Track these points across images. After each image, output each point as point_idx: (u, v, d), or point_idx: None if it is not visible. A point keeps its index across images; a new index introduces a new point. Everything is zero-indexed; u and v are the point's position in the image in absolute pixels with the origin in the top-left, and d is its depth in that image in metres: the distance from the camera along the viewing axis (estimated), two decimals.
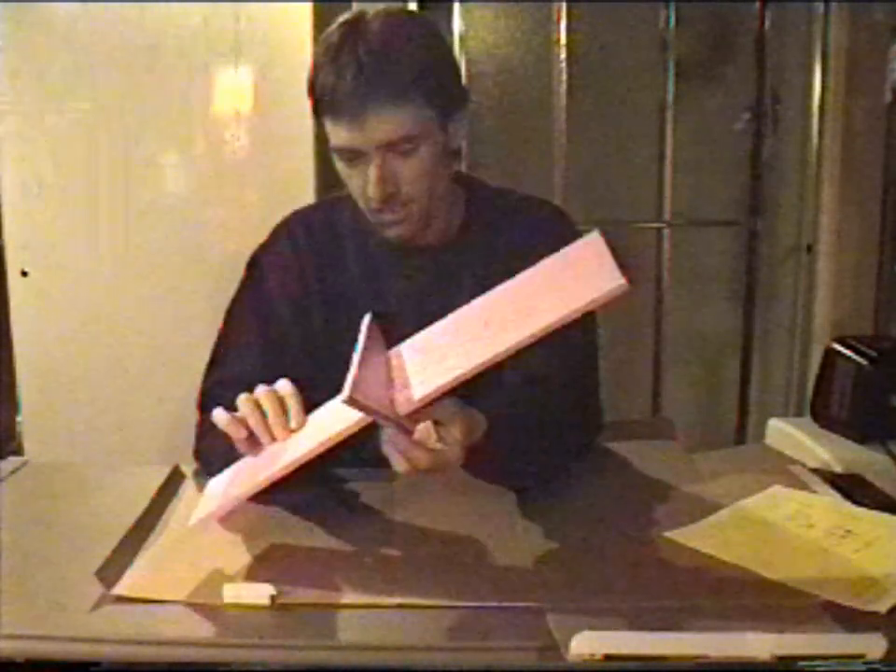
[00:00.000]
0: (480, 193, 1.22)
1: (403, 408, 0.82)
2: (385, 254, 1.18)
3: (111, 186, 2.12)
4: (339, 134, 1.05)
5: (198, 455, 1.13)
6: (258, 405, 0.93)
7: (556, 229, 1.22)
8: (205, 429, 1.10)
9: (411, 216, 1.10)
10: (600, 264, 0.79)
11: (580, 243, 0.85)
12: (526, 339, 0.78)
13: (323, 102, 1.05)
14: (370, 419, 0.82)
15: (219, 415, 0.94)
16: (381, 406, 0.81)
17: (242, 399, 0.94)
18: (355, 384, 0.79)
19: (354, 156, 1.06)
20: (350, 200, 1.21)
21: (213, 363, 1.18)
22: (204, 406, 1.13)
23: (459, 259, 1.18)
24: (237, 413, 0.93)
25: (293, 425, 0.91)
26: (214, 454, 1.05)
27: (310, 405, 0.96)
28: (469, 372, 0.80)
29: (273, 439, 0.92)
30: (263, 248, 1.23)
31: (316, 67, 1.05)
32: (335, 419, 0.87)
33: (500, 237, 1.19)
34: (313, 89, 1.06)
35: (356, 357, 0.85)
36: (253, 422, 0.92)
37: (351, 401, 0.78)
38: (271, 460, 0.90)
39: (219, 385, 1.14)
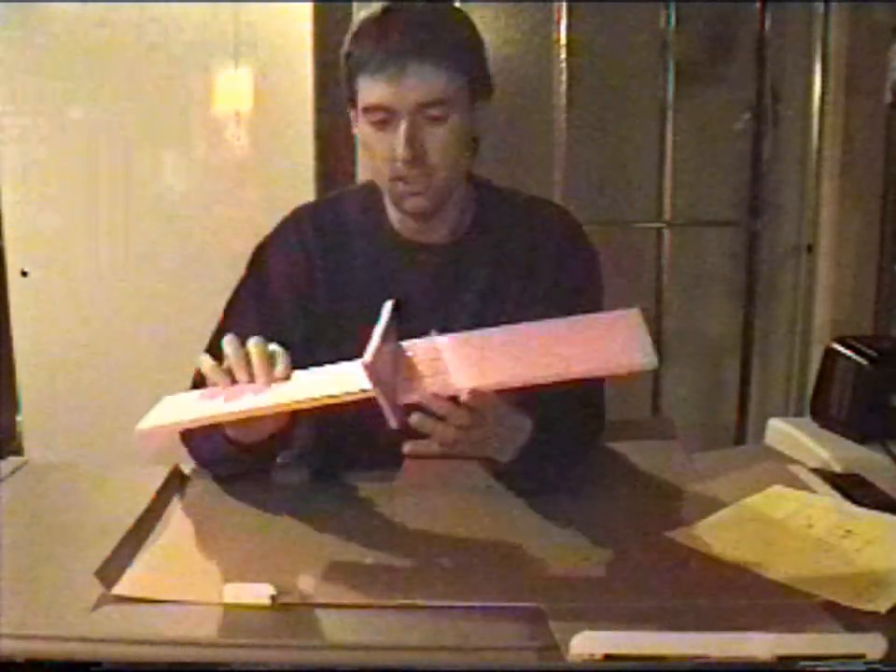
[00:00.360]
0: (487, 193, 1.22)
1: (437, 390, 0.87)
2: (392, 250, 1.18)
3: (111, 186, 2.12)
4: (375, 92, 1.07)
5: (187, 446, 1.12)
6: (244, 352, 0.94)
7: (563, 230, 1.23)
8: (193, 432, 1.10)
9: (431, 187, 1.10)
10: (637, 338, 0.88)
11: (619, 312, 0.92)
12: (556, 378, 0.87)
13: (362, 60, 1.07)
14: (358, 395, 0.84)
15: (204, 360, 0.94)
16: (388, 383, 0.85)
17: (228, 340, 0.95)
18: (376, 353, 0.83)
19: (386, 117, 1.07)
20: (357, 196, 1.22)
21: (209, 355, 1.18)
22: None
23: (466, 258, 1.18)
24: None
25: (277, 372, 0.92)
26: (201, 451, 1.08)
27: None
28: (500, 385, 0.88)
29: (252, 380, 0.92)
30: (269, 241, 1.23)
31: (357, 33, 1.09)
32: (325, 383, 0.88)
33: (507, 237, 1.20)
34: (349, 54, 1.09)
35: (378, 332, 0.87)
36: (235, 360, 0.93)
37: (369, 367, 0.82)
38: (243, 398, 0.90)
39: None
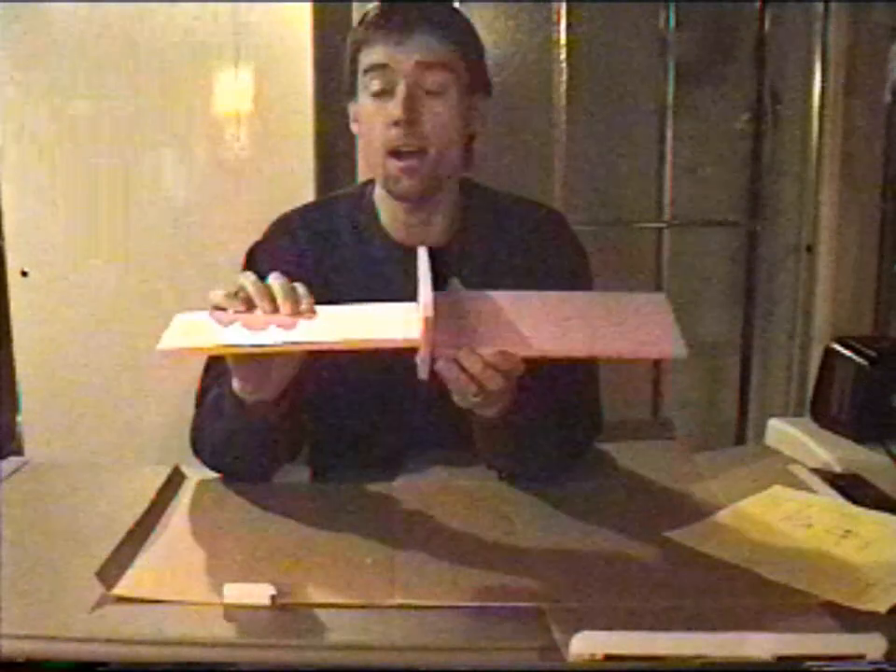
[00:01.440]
0: (477, 195, 1.22)
1: (471, 345, 0.86)
2: (384, 254, 1.18)
3: (111, 186, 2.12)
4: (377, 52, 1.10)
5: (195, 442, 1.13)
6: (265, 284, 0.92)
7: (554, 231, 1.23)
8: (202, 419, 1.12)
9: (424, 166, 1.11)
10: (668, 325, 0.88)
11: (647, 296, 0.93)
12: (588, 354, 0.89)
13: (367, 35, 1.10)
14: (401, 344, 0.83)
15: (215, 293, 0.92)
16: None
17: (245, 275, 0.92)
18: (433, 305, 0.81)
19: (385, 83, 1.09)
20: (347, 200, 1.22)
21: (211, 360, 1.18)
22: (202, 403, 1.13)
23: (457, 261, 1.18)
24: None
25: (303, 305, 0.90)
26: (211, 434, 1.08)
27: (308, 396, 0.96)
28: (532, 353, 0.87)
29: (275, 310, 0.90)
30: (261, 244, 1.23)
31: (362, 19, 1.13)
32: (363, 326, 0.87)
33: (498, 239, 1.20)
34: (354, 39, 1.13)
35: (426, 280, 0.86)
36: (254, 290, 0.90)
37: (429, 322, 0.80)
38: (271, 330, 0.87)
39: (218, 382, 1.14)
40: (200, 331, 0.89)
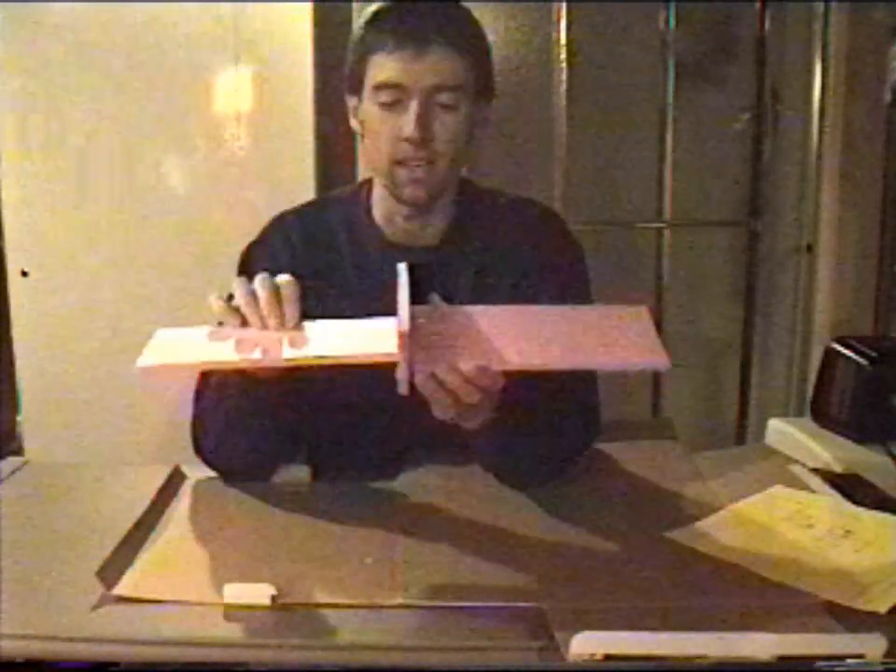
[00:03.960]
0: (469, 193, 1.22)
1: (451, 362, 0.86)
2: (378, 254, 1.18)
3: (111, 186, 2.12)
4: (391, 68, 1.07)
5: (196, 433, 1.13)
6: (252, 289, 0.91)
7: (550, 230, 1.23)
8: (205, 404, 1.11)
9: (432, 176, 1.11)
10: (650, 337, 0.90)
11: (628, 308, 0.93)
12: (568, 367, 0.87)
13: (380, 40, 1.08)
14: (381, 359, 0.83)
15: (213, 300, 0.92)
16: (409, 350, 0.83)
17: (238, 281, 0.92)
18: (411, 320, 0.82)
19: (396, 96, 1.08)
20: (341, 200, 1.22)
21: None
22: (199, 402, 1.13)
23: (450, 259, 1.18)
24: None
25: (287, 318, 0.89)
26: (215, 418, 1.07)
27: (306, 398, 0.96)
28: (514, 367, 0.86)
29: (263, 323, 0.90)
30: (256, 244, 1.23)
31: (375, 16, 1.10)
32: (345, 342, 0.88)
33: (491, 237, 1.20)
34: (362, 37, 1.10)
35: (405, 297, 0.86)
36: (246, 308, 0.90)
37: (405, 335, 0.81)
38: (257, 346, 0.88)
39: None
40: (182, 348, 0.90)
